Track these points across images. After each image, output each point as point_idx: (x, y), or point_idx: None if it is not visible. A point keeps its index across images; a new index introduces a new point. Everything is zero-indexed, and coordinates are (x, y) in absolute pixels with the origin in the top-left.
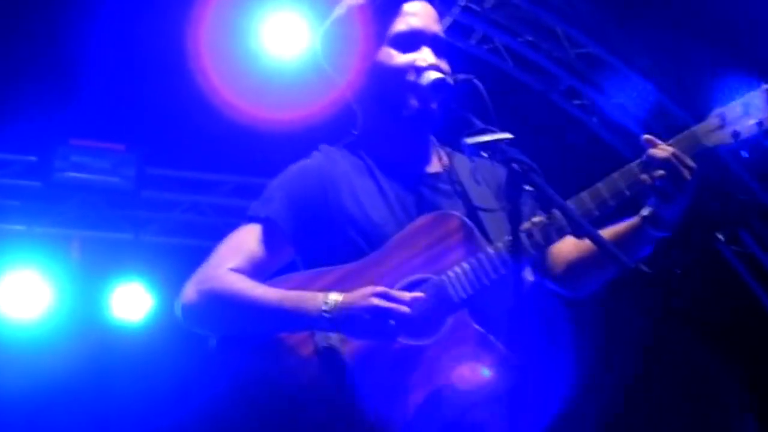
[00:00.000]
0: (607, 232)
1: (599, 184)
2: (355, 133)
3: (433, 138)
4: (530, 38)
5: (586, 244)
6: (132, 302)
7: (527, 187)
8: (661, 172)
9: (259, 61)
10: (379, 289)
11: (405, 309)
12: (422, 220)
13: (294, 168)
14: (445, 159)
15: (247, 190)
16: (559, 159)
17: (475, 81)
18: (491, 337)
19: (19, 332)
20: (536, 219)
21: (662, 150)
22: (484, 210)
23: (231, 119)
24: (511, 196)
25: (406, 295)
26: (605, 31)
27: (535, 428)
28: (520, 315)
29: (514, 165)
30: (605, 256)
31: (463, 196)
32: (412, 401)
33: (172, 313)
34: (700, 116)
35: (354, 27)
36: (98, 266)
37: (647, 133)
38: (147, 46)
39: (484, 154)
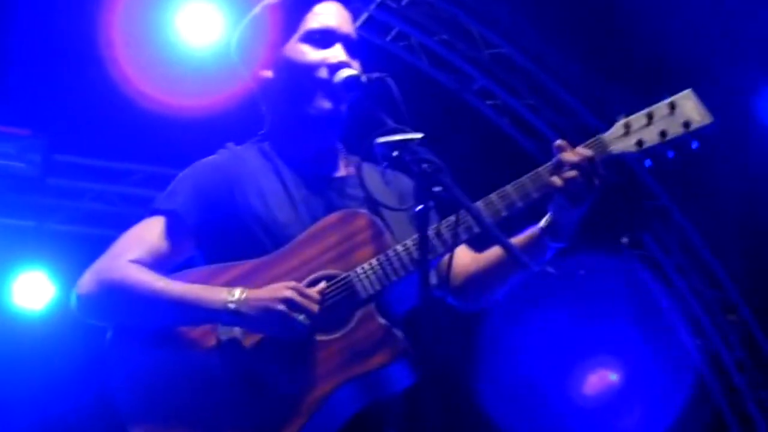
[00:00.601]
0: None
1: (508, 187)
2: (263, 133)
3: (340, 145)
4: (445, 37)
5: (486, 256)
6: (34, 291)
7: (436, 188)
8: (570, 173)
9: (171, 50)
10: (292, 283)
11: (314, 306)
12: (330, 218)
13: (201, 164)
14: (352, 166)
15: (156, 180)
16: (471, 159)
17: (388, 80)
18: (397, 332)
19: None
20: (445, 220)
21: (573, 153)
22: (391, 212)
23: (142, 108)
24: (419, 197)
25: (315, 292)
26: (519, 32)
27: None
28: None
29: (424, 165)
30: (509, 261)
31: (370, 200)
32: (316, 394)
33: None
34: (609, 120)
35: (266, 25)
36: (0, 253)
37: (558, 138)
38: (58, 31)
39: (395, 154)
